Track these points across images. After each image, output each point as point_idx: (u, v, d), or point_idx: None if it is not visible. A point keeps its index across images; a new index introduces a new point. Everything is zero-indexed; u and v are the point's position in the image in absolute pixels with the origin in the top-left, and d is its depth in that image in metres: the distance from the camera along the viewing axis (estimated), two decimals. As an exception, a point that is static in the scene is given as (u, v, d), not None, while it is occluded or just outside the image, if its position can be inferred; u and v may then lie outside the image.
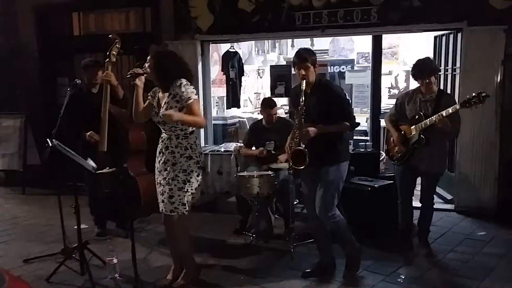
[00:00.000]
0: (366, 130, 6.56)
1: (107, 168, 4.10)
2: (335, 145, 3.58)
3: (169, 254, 3.87)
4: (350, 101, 3.71)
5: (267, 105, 4.92)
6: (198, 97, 3.49)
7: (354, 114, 3.68)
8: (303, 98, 3.44)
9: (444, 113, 3.69)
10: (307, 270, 3.83)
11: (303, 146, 3.43)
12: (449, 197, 5.60)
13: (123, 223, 4.87)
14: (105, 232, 4.86)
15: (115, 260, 3.81)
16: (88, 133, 4.50)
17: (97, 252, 4.01)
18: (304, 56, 3.48)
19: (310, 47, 7.77)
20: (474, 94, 3.61)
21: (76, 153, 3.70)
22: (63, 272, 3.85)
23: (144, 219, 5.06)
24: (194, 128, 3.53)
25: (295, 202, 4.52)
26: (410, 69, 4.20)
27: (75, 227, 3.85)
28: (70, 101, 4.19)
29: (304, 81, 3.46)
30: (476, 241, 4.49)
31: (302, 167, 3.44)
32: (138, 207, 4.62)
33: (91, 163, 3.80)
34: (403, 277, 3.77)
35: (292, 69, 6.37)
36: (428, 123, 3.81)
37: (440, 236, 4.62)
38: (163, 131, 3.53)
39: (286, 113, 7.08)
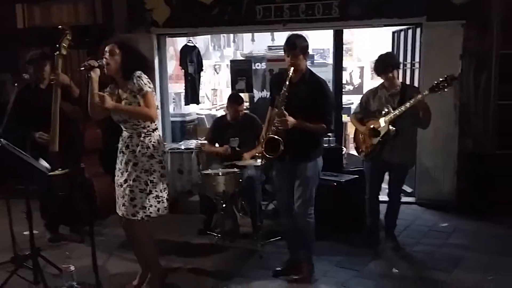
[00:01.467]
0: (332, 129, 6.54)
1: (60, 169, 3.82)
2: (314, 141, 3.47)
3: (130, 259, 3.66)
4: (334, 103, 3.55)
5: (235, 101, 4.77)
6: (153, 88, 3.27)
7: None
8: (288, 84, 3.29)
9: (413, 100, 3.70)
10: (277, 269, 3.73)
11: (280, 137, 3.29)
12: (409, 190, 5.68)
13: (78, 227, 4.57)
14: (58, 238, 4.56)
15: (71, 267, 3.54)
16: (37, 134, 4.19)
17: (51, 259, 3.74)
18: (294, 42, 3.30)
19: (271, 42, 7.79)
20: (441, 79, 3.64)
21: (25, 153, 3.40)
22: (15, 282, 3.54)
23: (101, 222, 4.78)
24: (156, 126, 3.33)
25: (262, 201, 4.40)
26: (368, 65, 4.20)
27: (24, 233, 3.57)
28: (17, 98, 3.87)
29: (292, 68, 3.31)
30: (440, 233, 4.57)
31: (273, 156, 3.30)
32: (94, 209, 4.37)
33: (44, 163, 3.53)
34: (397, 271, 3.76)
35: (252, 64, 6.41)
36: (397, 113, 3.80)
37: (405, 229, 4.66)
38: (123, 129, 3.30)
39: (246, 108, 6.95)
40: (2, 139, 3.33)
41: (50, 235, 4.54)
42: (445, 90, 3.68)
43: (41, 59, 4.32)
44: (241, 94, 5.21)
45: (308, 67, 3.52)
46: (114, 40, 3.23)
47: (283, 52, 3.46)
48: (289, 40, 3.36)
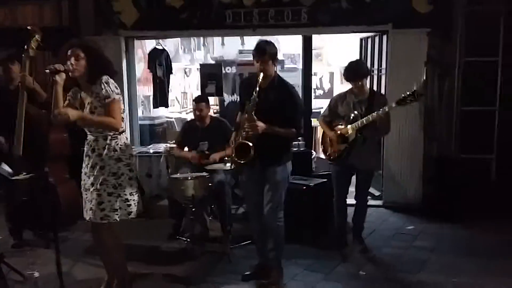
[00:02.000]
0: (301, 133, 6.60)
1: (24, 173, 3.71)
2: (283, 145, 3.50)
3: (96, 265, 3.59)
4: (304, 108, 3.58)
5: (200, 100, 4.76)
6: (121, 91, 3.22)
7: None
8: (257, 89, 3.29)
9: (380, 111, 3.75)
10: (246, 273, 3.73)
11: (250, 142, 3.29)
12: (377, 193, 5.79)
13: (42, 232, 4.45)
14: (22, 243, 4.43)
15: (36, 274, 3.49)
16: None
17: (15, 265, 3.63)
18: (263, 49, 3.33)
19: (241, 46, 7.81)
20: (408, 93, 3.68)
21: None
22: (-24, 290, 3.44)
23: (66, 227, 4.68)
24: (123, 128, 3.27)
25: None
26: (337, 70, 4.26)
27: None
28: None
29: (262, 74, 3.32)
30: (406, 236, 4.66)
31: (244, 161, 3.31)
32: (58, 215, 4.27)
33: (7, 168, 3.44)
34: (364, 273, 3.81)
35: (223, 68, 6.42)
36: (365, 122, 3.86)
37: (372, 232, 4.74)
38: (88, 133, 3.23)
39: (215, 113, 6.94)
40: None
41: (14, 241, 4.41)
42: (412, 104, 3.75)
43: (9, 60, 4.23)
44: (211, 98, 5.20)
45: (277, 72, 3.55)
46: (78, 43, 3.16)
47: (246, 59, 3.49)
48: (259, 46, 3.38)
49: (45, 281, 3.48)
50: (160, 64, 6.14)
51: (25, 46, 3.92)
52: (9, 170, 3.46)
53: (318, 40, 8.61)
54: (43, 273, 3.51)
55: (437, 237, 4.59)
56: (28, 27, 4.00)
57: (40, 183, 3.86)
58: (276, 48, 3.43)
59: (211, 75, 6.04)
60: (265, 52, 3.32)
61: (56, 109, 2.99)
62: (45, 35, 4.04)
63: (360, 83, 3.99)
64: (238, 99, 3.98)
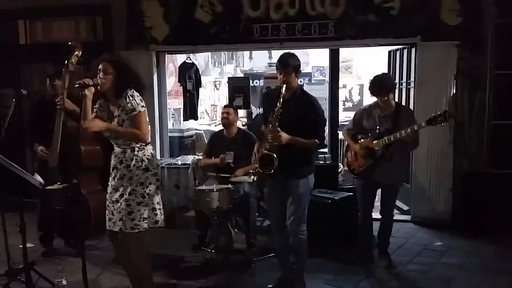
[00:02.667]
0: (325, 144, 6.58)
1: (58, 183, 3.85)
2: (307, 158, 3.51)
3: (123, 274, 3.66)
4: (325, 119, 3.60)
5: (227, 106, 4.94)
6: (152, 104, 3.33)
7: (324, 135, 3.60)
8: (281, 100, 3.33)
9: (409, 129, 3.70)
10: (269, 286, 3.73)
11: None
12: (405, 208, 5.69)
13: (72, 241, 4.59)
14: (52, 251, 4.58)
15: (64, 282, 3.57)
16: (40, 148, 4.28)
17: (44, 273, 3.74)
18: (287, 62, 3.37)
19: (268, 60, 7.89)
20: (439, 113, 3.62)
21: (24, 166, 3.45)
22: (7, 296, 3.56)
23: (98, 237, 4.80)
24: (149, 140, 3.36)
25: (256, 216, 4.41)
26: (367, 82, 4.21)
27: (20, 246, 3.57)
28: (33, 110, 4.07)
29: (285, 86, 3.36)
30: (433, 252, 4.55)
31: (268, 172, 3.32)
32: (89, 226, 4.39)
33: (38, 178, 3.56)
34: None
35: (250, 81, 6.49)
36: (392, 139, 3.80)
37: (399, 248, 4.66)
38: (115, 145, 3.34)
39: (243, 125, 7.01)
40: (-3, 154, 3.38)
41: (44, 248, 4.56)
42: (442, 125, 3.67)
43: (54, 75, 4.40)
44: (239, 111, 5.28)
45: (302, 84, 3.58)
46: (108, 59, 3.28)
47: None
48: (282, 58, 3.42)
49: (72, 289, 3.58)
50: (190, 77, 6.26)
51: (66, 61, 4.06)
52: (41, 180, 3.57)
53: (347, 52, 8.63)
54: (71, 281, 3.60)
55: (466, 253, 4.47)
56: (70, 43, 4.16)
57: (72, 193, 3.99)
58: (299, 60, 3.47)
59: (239, 88, 6.12)
60: (288, 64, 3.37)
61: (84, 122, 3.12)
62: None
63: (386, 98, 3.96)
64: (262, 112, 4.02)
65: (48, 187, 3.71)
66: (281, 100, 3.33)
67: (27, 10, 6.33)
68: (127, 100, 3.18)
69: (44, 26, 6.51)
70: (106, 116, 3.32)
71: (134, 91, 3.23)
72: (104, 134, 3.30)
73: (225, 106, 5.01)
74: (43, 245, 4.58)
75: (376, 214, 4.27)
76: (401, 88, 5.86)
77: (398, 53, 5.94)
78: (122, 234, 3.28)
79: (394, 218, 4.33)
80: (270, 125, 3.34)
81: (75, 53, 4.07)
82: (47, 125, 4.19)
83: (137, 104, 3.19)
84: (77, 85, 3.17)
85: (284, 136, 3.29)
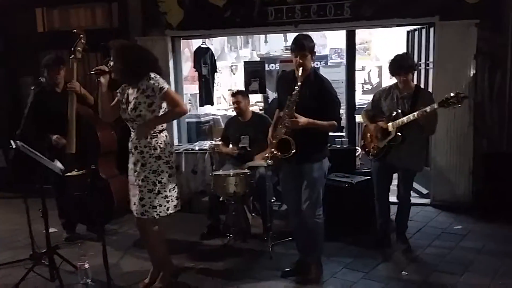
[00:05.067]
0: (341, 126, 6.53)
1: (76, 170, 3.92)
2: (321, 142, 3.50)
3: (143, 258, 3.74)
4: (339, 100, 3.57)
5: (236, 94, 4.91)
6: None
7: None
8: (300, 84, 3.29)
9: (421, 111, 3.63)
10: (286, 269, 3.75)
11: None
12: (425, 191, 5.63)
13: (94, 226, 4.68)
14: (75, 236, 4.68)
15: (86, 265, 3.63)
16: (54, 137, 4.32)
17: (67, 256, 3.83)
18: (302, 43, 3.32)
19: (284, 43, 7.80)
20: (452, 95, 3.51)
21: (42, 154, 3.52)
22: (32, 279, 3.66)
23: (117, 221, 4.89)
24: (164, 126, 3.38)
25: (272, 200, 4.42)
26: (386, 64, 4.14)
27: (44, 231, 3.66)
28: (34, 101, 3.99)
29: (301, 68, 3.32)
30: (453, 235, 4.50)
31: (286, 156, 3.32)
32: (110, 209, 4.47)
33: (59, 164, 3.64)
34: (406, 273, 3.74)
35: (266, 65, 6.44)
36: (405, 121, 3.75)
37: (418, 231, 4.62)
38: (131, 129, 3.38)
39: (260, 109, 6.99)
40: (18, 141, 3.46)
41: (67, 234, 4.67)
42: (454, 107, 3.57)
43: (56, 64, 4.38)
44: (256, 95, 5.25)
45: (313, 66, 3.53)
46: (116, 45, 3.28)
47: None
48: (297, 40, 3.37)
49: (94, 272, 3.64)
50: (205, 63, 6.24)
51: (72, 49, 4.10)
52: (61, 167, 3.64)
53: (365, 34, 8.48)
54: (93, 264, 3.67)
55: (486, 237, 4.41)
56: (74, 30, 4.19)
57: (89, 179, 4.06)
58: (313, 41, 3.42)
59: (255, 72, 6.07)
60: (303, 46, 3.32)
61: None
62: (96, 36, 4.21)
63: (405, 77, 3.89)
64: (276, 96, 3.99)
65: (67, 174, 3.77)
66: (299, 83, 3.29)
67: (45, -2, 6.42)
68: (152, 82, 3.20)
69: (61, 13, 6.56)
70: (124, 98, 3.36)
71: (156, 74, 3.25)
72: (121, 115, 3.35)
73: (233, 94, 4.95)
74: (66, 232, 4.69)
75: (393, 198, 4.24)
76: (420, 69, 5.75)
77: (416, 33, 5.81)
78: (136, 218, 3.36)
79: (413, 201, 4.30)
80: (287, 109, 3.33)
81: (81, 40, 4.10)
82: (54, 115, 4.23)
83: (162, 82, 3.23)
84: (93, 72, 3.21)
85: (302, 119, 3.27)
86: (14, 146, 3.41)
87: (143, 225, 3.41)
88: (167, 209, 3.35)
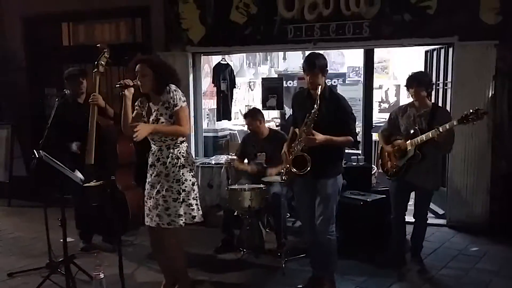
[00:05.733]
0: (358, 141, 6.51)
1: (94, 181, 4.00)
2: (336, 158, 3.53)
3: (157, 270, 3.76)
4: (355, 116, 3.60)
5: (247, 115, 4.92)
6: (187, 104, 3.43)
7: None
8: (318, 102, 3.33)
9: (441, 128, 3.62)
10: (299, 286, 3.75)
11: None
12: (441, 211, 5.57)
13: (110, 237, 4.74)
14: (91, 247, 4.74)
15: (101, 275, 3.68)
16: (75, 143, 4.41)
17: (83, 266, 3.90)
18: (313, 62, 3.37)
19: (302, 60, 7.85)
20: (471, 111, 3.51)
21: (63, 165, 3.61)
22: (48, 287, 3.73)
23: (132, 233, 4.95)
24: (184, 138, 3.45)
25: (287, 216, 4.43)
26: (403, 84, 4.17)
27: (61, 240, 3.73)
28: (57, 112, 4.10)
29: (319, 87, 3.35)
30: (469, 257, 4.44)
31: (302, 173, 3.35)
32: (126, 221, 4.53)
33: (79, 175, 3.72)
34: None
35: (284, 81, 6.51)
36: (424, 139, 3.75)
37: (433, 252, 4.57)
38: (152, 143, 3.45)
39: (277, 125, 7.04)
40: (41, 151, 3.55)
41: (83, 244, 4.73)
42: (474, 123, 3.57)
43: (78, 75, 4.51)
44: (272, 112, 5.29)
45: (327, 84, 3.58)
46: (143, 60, 3.39)
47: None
48: (308, 59, 3.43)
49: (109, 282, 3.67)
50: (224, 78, 6.34)
51: (95, 63, 4.21)
52: (81, 177, 3.72)
53: (384, 52, 8.52)
54: (108, 275, 3.72)
55: (502, 259, 4.34)
56: (98, 45, 4.31)
57: (109, 190, 4.14)
58: (325, 59, 3.47)
59: (272, 89, 6.15)
60: (315, 65, 3.37)
61: (130, 125, 3.24)
62: (120, 51, 4.31)
63: (420, 93, 3.88)
64: (291, 113, 4.02)
65: (85, 184, 3.85)
66: (318, 101, 3.33)
67: (71, 13, 6.60)
68: (171, 95, 3.30)
69: (86, 28, 6.76)
70: (144, 111, 3.44)
71: (176, 87, 3.35)
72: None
73: (245, 116, 4.96)
74: (83, 242, 4.76)
75: (409, 217, 4.21)
76: (438, 89, 5.74)
77: (435, 53, 5.82)
78: (159, 229, 3.38)
79: (428, 222, 4.25)
80: (305, 127, 3.37)
81: (104, 54, 4.21)
82: (76, 126, 4.31)
83: (179, 99, 3.31)
84: (118, 85, 3.30)
85: (320, 137, 3.31)
86: (37, 156, 3.50)
87: (164, 236, 3.43)
88: (193, 218, 3.41)
